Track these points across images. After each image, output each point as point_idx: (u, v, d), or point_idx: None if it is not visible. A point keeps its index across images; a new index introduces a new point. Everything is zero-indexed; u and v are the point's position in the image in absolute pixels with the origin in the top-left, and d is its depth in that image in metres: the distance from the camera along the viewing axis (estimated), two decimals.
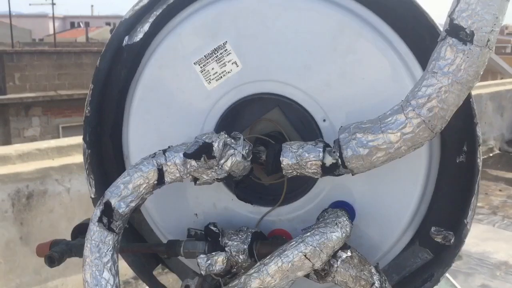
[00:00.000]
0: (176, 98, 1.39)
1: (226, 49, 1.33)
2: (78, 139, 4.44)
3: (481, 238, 5.78)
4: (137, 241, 1.57)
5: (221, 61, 1.33)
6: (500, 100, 9.12)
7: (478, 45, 0.98)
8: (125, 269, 1.58)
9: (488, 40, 0.98)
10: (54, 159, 4.46)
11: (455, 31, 0.99)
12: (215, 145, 1.20)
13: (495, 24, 0.98)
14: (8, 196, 4.02)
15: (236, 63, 1.33)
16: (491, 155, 8.85)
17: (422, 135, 1.07)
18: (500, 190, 7.36)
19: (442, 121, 1.06)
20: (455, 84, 1.01)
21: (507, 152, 9.11)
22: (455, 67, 1.00)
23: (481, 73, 1.02)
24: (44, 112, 14.33)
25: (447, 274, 2.21)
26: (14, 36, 20.34)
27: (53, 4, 20.95)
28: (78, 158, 4.26)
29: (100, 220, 1.23)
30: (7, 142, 12.78)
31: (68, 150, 4.58)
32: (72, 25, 43.59)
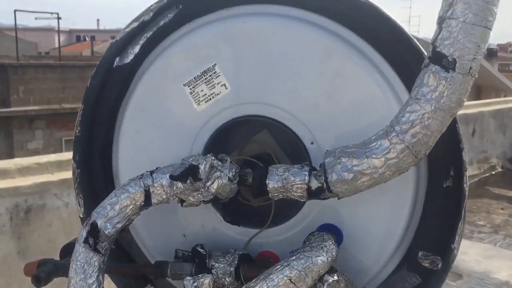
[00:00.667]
0: (166, 119, 1.40)
1: (216, 71, 1.34)
2: None
3: (482, 256, 5.73)
4: (126, 261, 1.57)
5: (211, 83, 1.35)
6: (502, 118, 9.10)
7: (461, 73, 0.99)
8: None
9: (471, 68, 0.99)
10: (54, 174, 4.48)
11: (438, 58, 1.00)
12: (202, 167, 1.20)
13: (477, 52, 0.98)
14: (7, 210, 4.02)
15: (225, 85, 1.34)
16: (493, 173, 8.81)
17: (406, 160, 1.08)
18: (502, 209, 7.32)
19: (425, 147, 1.06)
20: (438, 111, 1.02)
21: (510, 170, 9.07)
22: (438, 94, 1.01)
23: (465, 100, 1.03)
24: (48, 125, 14.41)
25: None
26: (19, 49, 20.55)
27: (58, 18, 21.21)
28: None
29: (86, 241, 1.23)
30: (10, 154, 12.85)
31: (68, 165, 4.58)
32: (78, 38, 44.06)
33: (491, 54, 24.14)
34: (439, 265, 1.30)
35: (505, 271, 5.41)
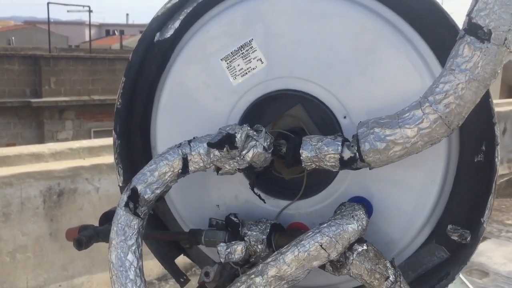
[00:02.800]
0: (203, 93, 1.45)
1: (252, 47, 1.38)
2: (109, 141, 4.57)
3: (510, 257, 5.64)
4: (161, 230, 1.63)
5: (247, 57, 1.39)
6: None
7: (495, 44, 1.01)
8: (149, 270, 1.64)
9: (506, 39, 1.01)
10: (85, 159, 4.61)
11: (473, 29, 1.02)
12: (238, 136, 1.25)
13: None
14: (40, 193, 4.16)
15: (261, 60, 1.38)
16: None
17: (438, 130, 1.10)
18: None
19: (458, 118, 1.08)
20: (472, 81, 1.04)
21: None
22: (472, 65, 1.03)
23: (498, 71, 1.04)
24: (77, 116, 14.73)
25: (461, 276, 2.20)
26: (51, 42, 21.03)
27: (90, 11, 21.62)
28: (108, 158, 4.38)
29: (126, 205, 1.29)
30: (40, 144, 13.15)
31: (99, 151, 4.73)
32: (108, 32, 44.78)
33: None
34: (468, 239, 1.31)
35: None
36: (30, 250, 4.10)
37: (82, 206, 4.45)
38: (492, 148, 1.24)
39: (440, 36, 1.25)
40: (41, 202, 4.18)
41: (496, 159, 1.23)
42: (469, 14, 1.03)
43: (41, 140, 14.04)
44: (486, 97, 1.19)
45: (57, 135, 14.59)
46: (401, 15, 1.29)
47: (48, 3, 19.95)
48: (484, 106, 1.20)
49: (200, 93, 1.45)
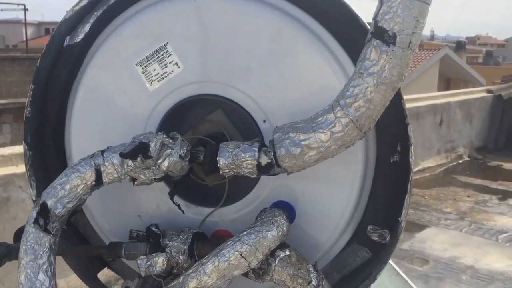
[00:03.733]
0: (118, 99, 1.39)
1: (168, 50, 1.33)
2: None
3: (449, 243, 5.89)
4: (82, 244, 1.55)
5: (163, 62, 1.34)
6: (469, 108, 9.32)
7: (401, 47, 1.02)
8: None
9: (410, 42, 1.02)
10: (18, 166, 4.39)
11: (379, 33, 1.03)
12: (152, 145, 1.20)
13: (416, 27, 1.01)
14: None
15: (177, 64, 1.34)
16: (460, 162, 9.03)
17: (351, 134, 1.10)
18: (468, 196, 7.52)
19: (369, 121, 1.08)
20: (380, 85, 1.04)
21: (476, 159, 9.32)
22: (380, 68, 1.03)
23: (405, 74, 1.05)
24: (15, 119, 14.05)
25: (395, 266, 2.25)
26: None
27: (25, 10, 20.67)
28: None
29: (36, 221, 1.22)
30: None
31: None
32: (47, 31, 42.99)
33: (460, 46, 24.66)
34: (387, 238, 1.33)
35: (470, 256, 5.57)
36: None
37: (17, 215, 4.23)
38: (406, 148, 1.27)
39: (353, 38, 1.26)
40: None
41: (411, 159, 1.26)
42: (374, 18, 1.03)
43: None
44: (399, 98, 1.20)
45: None
46: (315, 18, 1.28)
47: None
48: (396, 108, 1.22)
49: (116, 100, 1.39)
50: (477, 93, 10.02)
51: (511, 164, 8.83)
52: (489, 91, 9.70)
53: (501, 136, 9.68)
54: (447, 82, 19.69)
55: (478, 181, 8.13)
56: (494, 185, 7.95)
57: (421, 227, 5.83)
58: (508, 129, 9.59)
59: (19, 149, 4.61)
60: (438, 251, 5.67)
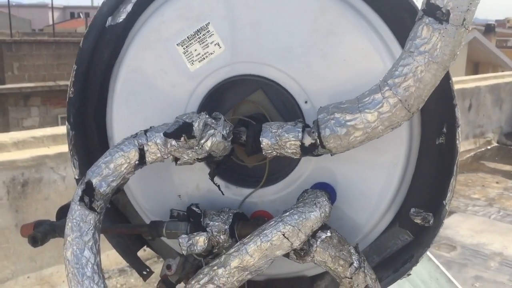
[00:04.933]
0: (159, 80, 1.39)
1: (209, 31, 1.33)
2: None
3: (476, 230, 5.82)
4: (122, 223, 1.58)
5: (204, 42, 1.34)
6: (499, 92, 9.11)
7: (454, 24, 0.99)
8: (121, 258, 1.60)
9: (464, 20, 0.99)
10: (50, 147, 4.48)
11: (432, 10, 1.00)
12: (195, 125, 1.20)
13: (471, 4, 0.98)
14: (3, 184, 4.03)
15: (219, 45, 1.33)
16: (489, 147, 8.87)
17: (399, 114, 1.08)
18: (497, 182, 7.39)
19: (418, 101, 1.06)
20: (431, 64, 1.02)
21: (505, 145, 9.13)
22: (431, 46, 1.01)
23: (458, 52, 1.02)
24: (43, 102, 14.34)
25: (428, 253, 2.24)
26: (13, 27, 20.27)
27: None
28: None
29: (81, 199, 1.24)
30: (6, 132, 12.78)
31: (63, 139, 4.59)
32: (72, 15, 43.48)
33: (489, 30, 23.96)
34: (431, 221, 1.31)
35: (498, 243, 5.49)
36: None
37: (48, 196, 4.34)
38: (453, 130, 1.24)
39: (400, 17, 1.23)
40: (5, 193, 4.05)
41: (457, 141, 1.23)
42: None
43: (6, 128, 13.63)
44: (447, 79, 1.17)
45: (22, 122, 14.18)
46: None
47: None
48: (444, 88, 1.19)
49: (157, 80, 1.40)
50: (508, 77, 9.77)
51: None
52: None
53: None
54: (475, 66, 19.22)
55: (507, 167, 7.97)
56: None
57: (448, 213, 5.77)
58: None
59: (50, 131, 4.71)
60: (465, 237, 5.61)
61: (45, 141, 4.56)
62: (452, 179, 1.25)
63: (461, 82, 8.31)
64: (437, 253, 5.03)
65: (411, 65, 1.03)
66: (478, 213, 6.25)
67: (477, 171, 7.76)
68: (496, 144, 8.97)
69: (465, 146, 8.39)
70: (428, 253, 2.49)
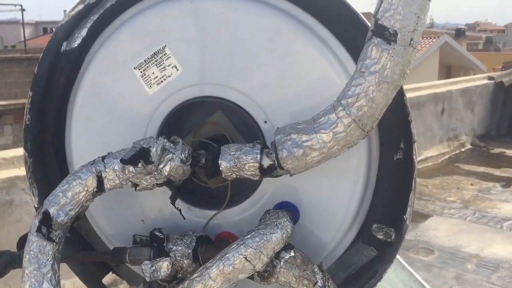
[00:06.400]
0: (118, 104, 1.38)
1: (166, 53, 1.32)
2: None
3: (453, 231, 5.89)
4: (86, 250, 1.55)
5: (161, 65, 1.33)
6: (470, 96, 9.28)
7: (402, 44, 1.00)
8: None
9: (411, 39, 1.00)
10: (20, 168, 4.38)
11: (380, 31, 1.01)
12: (153, 150, 1.19)
13: (417, 23, 0.99)
14: None
15: (176, 67, 1.33)
16: (462, 150, 9.01)
17: (353, 134, 1.08)
18: (471, 184, 7.51)
19: (372, 120, 1.07)
20: (382, 83, 1.03)
21: (478, 146, 9.29)
22: (381, 67, 1.02)
23: (407, 72, 1.04)
24: (16, 120, 14.05)
25: (400, 260, 2.25)
26: None
27: (22, 10, 20.62)
28: None
29: (38, 230, 1.21)
30: None
31: None
32: (45, 30, 42.90)
33: (459, 33, 24.53)
34: (393, 237, 1.32)
35: (475, 244, 5.57)
36: None
37: (21, 218, 4.23)
38: (410, 145, 1.25)
39: (354, 36, 1.24)
40: None
41: (414, 157, 1.24)
42: (375, 15, 1.02)
43: None
44: (401, 96, 1.19)
45: None
46: (314, 16, 1.26)
47: None
48: (399, 105, 1.20)
49: (115, 104, 1.38)
50: (478, 80, 9.97)
51: None
52: (490, 78, 9.65)
53: (503, 123, 9.64)
54: (447, 70, 19.62)
55: (481, 169, 8.11)
56: (497, 172, 7.93)
57: (425, 216, 5.83)
58: (510, 116, 9.55)
59: (21, 151, 4.61)
60: (443, 240, 5.67)
61: (16, 162, 4.46)
62: (411, 194, 1.26)
63: (433, 86, 8.44)
64: (415, 258, 5.07)
65: (362, 85, 1.04)
66: (454, 215, 6.33)
67: (452, 173, 7.88)
68: (470, 146, 9.12)
69: (439, 150, 8.52)
70: (402, 261, 2.51)
